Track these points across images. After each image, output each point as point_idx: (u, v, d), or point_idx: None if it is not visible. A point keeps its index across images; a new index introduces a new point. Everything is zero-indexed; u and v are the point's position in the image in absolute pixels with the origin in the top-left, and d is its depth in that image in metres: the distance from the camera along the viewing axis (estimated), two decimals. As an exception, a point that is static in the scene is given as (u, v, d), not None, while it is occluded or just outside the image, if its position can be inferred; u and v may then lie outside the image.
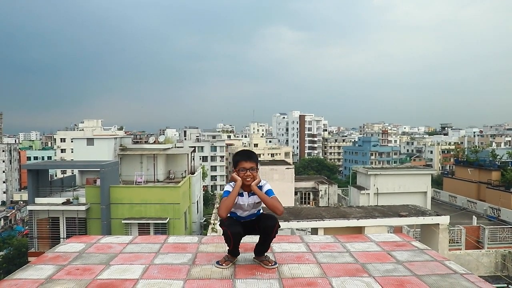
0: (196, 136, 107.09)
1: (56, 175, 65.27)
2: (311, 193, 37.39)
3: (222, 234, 3.74)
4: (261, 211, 3.90)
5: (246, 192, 3.73)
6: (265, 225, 3.67)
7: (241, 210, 3.77)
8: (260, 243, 3.77)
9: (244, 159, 3.70)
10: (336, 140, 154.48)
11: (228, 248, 3.79)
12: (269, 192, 3.67)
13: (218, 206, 3.62)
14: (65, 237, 24.59)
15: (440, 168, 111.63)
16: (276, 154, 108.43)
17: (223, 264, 3.68)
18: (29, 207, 25.83)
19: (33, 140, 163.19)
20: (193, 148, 41.77)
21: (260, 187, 3.68)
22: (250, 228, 3.82)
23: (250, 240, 4.34)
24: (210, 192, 71.95)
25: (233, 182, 3.70)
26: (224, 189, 3.74)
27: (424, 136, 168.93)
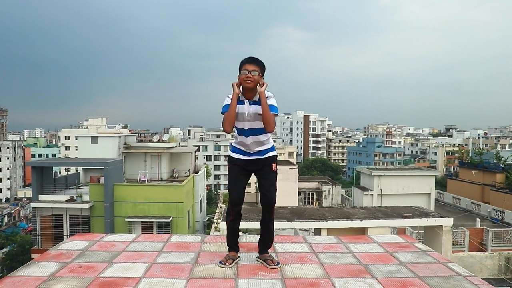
0: (200, 135, 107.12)
1: (60, 173, 65.31)
2: (314, 193, 37.34)
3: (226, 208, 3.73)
4: (272, 147, 3.75)
5: (247, 100, 3.56)
6: (262, 200, 3.64)
7: (242, 121, 3.57)
8: (262, 229, 3.77)
9: (248, 62, 3.52)
10: (340, 141, 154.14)
11: (227, 241, 3.79)
12: (272, 107, 3.47)
13: (222, 122, 3.40)
14: (68, 234, 24.66)
15: (444, 170, 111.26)
16: (280, 154, 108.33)
17: (226, 264, 3.67)
18: (33, 204, 25.92)
19: (37, 137, 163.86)
20: (197, 147, 41.82)
21: (266, 98, 3.49)
22: (255, 172, 3.73)
23: (252, 240, 4.35)
24: (213, 191, 71.99)
25: (231, 94, 3.52)
26: (223, 104, 3.54)
27: (429, 137, 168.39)
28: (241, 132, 3.63)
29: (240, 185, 3.71)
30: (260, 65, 3.54)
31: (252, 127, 3.58)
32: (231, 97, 3.49)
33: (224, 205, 27.57)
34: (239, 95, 3.56)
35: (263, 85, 3.49)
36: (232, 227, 3.79)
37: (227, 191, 3.84)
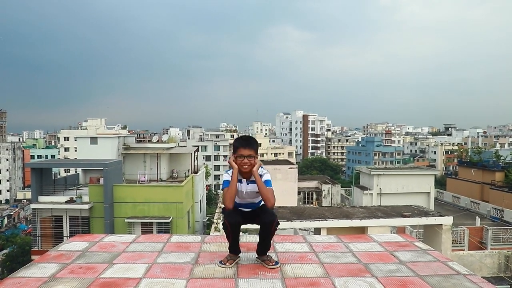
0: (200, 136, 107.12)
1: (59, 174, 65.38)
2: (314, 193, 37.35)
3: (222, 224, 3.74)
4: (263, 202, 3.84)
5: (245, 179, 3.69)
6: (263, 221, 3.64)
7: (241, 198, 3.73)
8: (260, 240, 3.77)
9: (243, 146, 3.65)
10: (339, 140, 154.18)
11: (228, 243, 3.79)
12: (267, 183, 3.61)
13: (221, 198, 3.67)
14: (68, 235, 24.64)
15: (444, 169, 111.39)
16: (279, 153, 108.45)
17: (226, 264, 3.68)
18: (33, 206, 25.88)
19: (36, 139, 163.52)
20: (197, 148, 41.82)
21: (260, 176, 3.63)
22: (250, 219, 3.79)
23: (252, 240, 4.35)
24: (213, 191, 71.98)
25: (231, 170, 3.66)
26: (223, 179, 3.69)
27: (428, 136, 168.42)
28: (238, 206, 3.78)
29: (240, 214, 3.76)
30: (254, 147, 3.69)
31: (248, 203, 3.79)
32: (230, 174, 3.65)
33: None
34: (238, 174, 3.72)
35: (256, 165, 3.65)
36: (233, 239, 3.78)
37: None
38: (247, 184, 3.69)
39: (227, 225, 3.62)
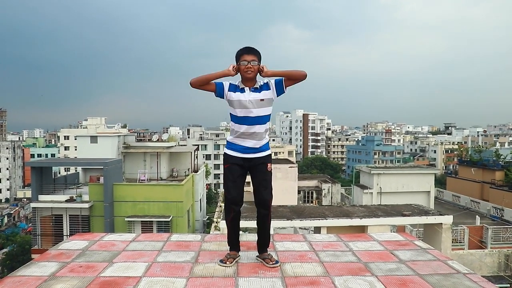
0: (200, 134, 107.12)
1: (59, 173, 65.28)
2: (314, 192, 37.35)
3: (224, 209, 3.69)
4: (267, 145, 3.75)
5: (248, 88, 3.60)
6: (259, 198, 3.62)
7: (245, 109, 3.58)
8: (258, 230, 3.75)
9: (246, 52, 3.56)
10: (339, 139, 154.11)
11: (227, 239, 3.79)
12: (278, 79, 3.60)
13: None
14: (68, 234, 24.65)
15: (444, 168, 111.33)
16: (279, 152, 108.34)
17: (227, 262, 3.67)
18: (33, 205, 25.90)
19: (36, 138, 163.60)
20: (197, 146, 41.83)
21: (267, 84, 3.61)
22: (249, 170, 3.73)
23: (252, 239, 4.35)
24: (213, 190, 71.98)
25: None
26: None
27: (428, 135, 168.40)
28: (241, 120, 3.62)
29: (240, 184, 3.70)
30: (257, 54, 3.59)
31: (253, 115, 3.59)
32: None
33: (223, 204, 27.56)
34: (239, 83, 3.63)
35: (264, 68, 3.56)
36: (233, 226, 3.78)
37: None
38: (250, 92, 3.59)
39: (228, 204, 3.60)
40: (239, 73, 3.59)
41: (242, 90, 3.58)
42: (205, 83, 3.56)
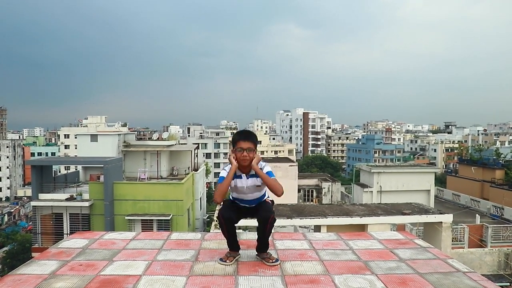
0: (200, 133, 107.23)
1: (59, 171, 65.32)
2: (314, 190, 37.36)
3: (217, 223, 3.75)
4: (266, 196, 3.84)
5: (244, 174, 3.68)
6: (260, 216, 3.63)
7: (243, 194, 3.72)
8: (258, 237, 3.77)
9: (242, 139, 3.64)
10: (339, 138, 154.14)
11: (226, 240, 3.80)
12: (269, 174, 3.60)
13: (214, 192, 3.65)
14: (68, 233, 24.68)
15: (444, 167, 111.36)
16: (280, 151, 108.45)
17: (227, 261, 3.68)
18: (33, 203, 25.92)
19: (37, 136, 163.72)
20: (197, 145, 41.81)
21: (261, 169, 3.62)
22: (250, 214, 3.80)
23: (252, 237, 4.35)
24: (213, 189, 71.99)
25: (228, 166, 3.66)
26: (220, 175, 3.69)
27: (428, 134, 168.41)
28: (241, 201, 3.80)
29: (235, 210, 3.78)
30: (253, 141, 3.68)
31: (250, 199, 3.76)
32: (228, 170, 3.65)
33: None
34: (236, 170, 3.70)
35: (254, 161, 3.63)
36: (230, 235, 3.77)
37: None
38: (247, 178, 3.67)
39: (221, 221, 3.64)
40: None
41: (240, 177, 3.69)
42: (226, 192, 3.68)
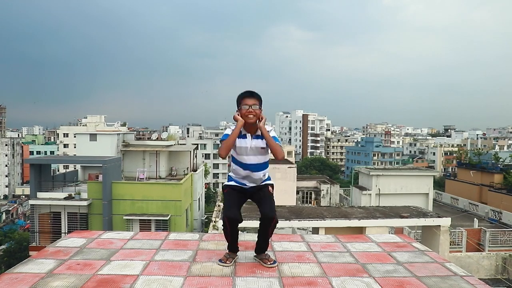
0: (199, 134, 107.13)
1: (58, 170, 65.35)
2: (313, 192, 37.35)
3: (222, 225, 3.69)
4: (268, 178, 3.77)
5: (249, 134, 3.61)
6: (264, 211, 3.55)
7: (245, 155, 3.62)
8: (258, 237, 3.75)
9: (247, 96, 3.58)
10: (339, 140, 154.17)
11: (226, 242, 3.79)
12: (275, 138, 3.56)
13: (218, 148, 3.54)
14: (66, 232, 24.62)
15: (443, 170, 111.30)
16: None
17: (226, 262, 3.68)
18: (31, 202, 25.87)
19: (36, 135, 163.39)
20: (196, 145, 41.78)
21: (268, 132, 3.58)
22: (251, 197, 3.74)
23: (250, 239, 4.35)
24: (212, 189, 72.02)
25: (233, 126, 3.59)
26: (224, 132, 3.59)
27: (427, 137, 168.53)
28: (242, 166, 3.66)
29: (239, 203, 3.70)
30: (259, 98, 3.62)
31: (253, 162, 3.63)
32: (232, 128, 3.56)
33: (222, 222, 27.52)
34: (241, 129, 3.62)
35: (262, 119, 3.57)
36: (233, 238, 3.74)
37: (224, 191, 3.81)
38: (252, 139, 3.60)
39: (226, 223, 3.59)
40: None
41: (244, 137, 3.60)
42: (231, 147, 3.58)
